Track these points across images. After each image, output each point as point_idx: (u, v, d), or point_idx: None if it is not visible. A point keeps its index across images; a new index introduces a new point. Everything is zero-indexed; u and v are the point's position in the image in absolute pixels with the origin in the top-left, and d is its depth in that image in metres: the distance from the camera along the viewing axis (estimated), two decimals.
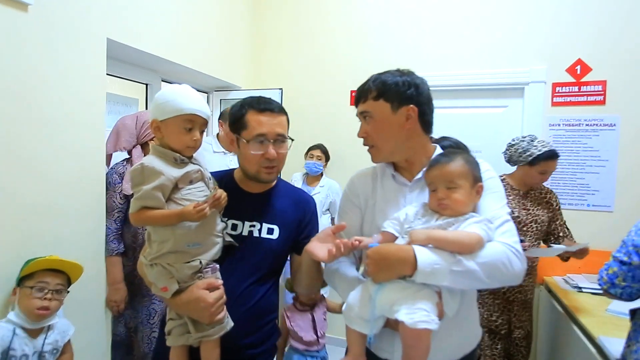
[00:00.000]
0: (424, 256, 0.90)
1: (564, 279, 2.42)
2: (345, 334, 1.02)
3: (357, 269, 1.16)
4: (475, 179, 1.01)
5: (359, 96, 1.11)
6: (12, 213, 1.48)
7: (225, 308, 1.07)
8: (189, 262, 1.04)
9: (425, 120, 1.09)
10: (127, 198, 1.91)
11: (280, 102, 1.74)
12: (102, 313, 1.90)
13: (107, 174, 1.93)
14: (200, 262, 1.05)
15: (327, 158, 3.00)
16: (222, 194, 1.09)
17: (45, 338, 1.40)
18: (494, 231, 0.96)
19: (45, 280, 1.39)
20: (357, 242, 0.97)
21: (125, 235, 1.95)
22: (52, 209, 1.63)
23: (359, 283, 1.03)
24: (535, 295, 2.61)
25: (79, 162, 1.75)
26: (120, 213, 1.92)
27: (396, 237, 1.01)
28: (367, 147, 1.14)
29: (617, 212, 2.48)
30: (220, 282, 1.08)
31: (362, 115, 1.10)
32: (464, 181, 0.99)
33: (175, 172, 1.04)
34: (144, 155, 1.96)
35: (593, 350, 1.63)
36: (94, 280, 1.84)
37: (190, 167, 1.08)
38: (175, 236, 1.03)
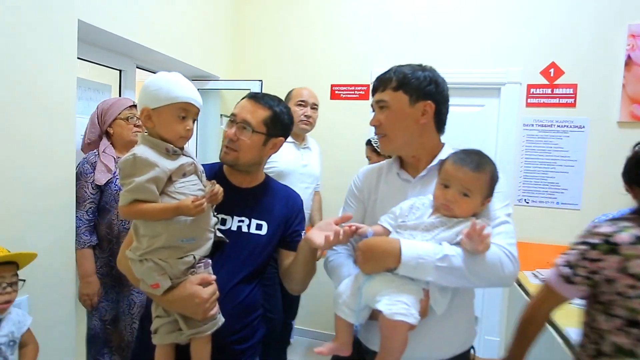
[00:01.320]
0: (409, 250, 0.93)
1: (533, 274, 2.56)
2: (334, 323, 1.05)
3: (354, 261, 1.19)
4: (490, 194, 1.02)
5: (378, 85, 1.12)
6: None
7: (217, 303, 1.07)
8: (182, 257, 1.02)
9: (440, 119, 1.12)
10: (100, 188, 1.88)
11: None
12: (73, 307, 1.85)
13: (78, 163, 1.88)
14: (194, 257, 1.04)
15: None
16: (219, 188, 1.09)
17: None
18: (490, 231, 0.97)
19: (1, 275, 1.35)
20: (353, 228, 1.00)
21: (99, 227, 1.91)
22: (16, 200, 1.57)
23: (353, 273, 1.06)
24: (506, 288, 2.76)
25: (47, 150, 1.69)
26: (93, 204, 1.88)
27: (389, 232, 1.04)
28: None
29: (584, 210, 2.64)
30: (214, 277, 1.07)
31: (377, 104, 1.12)
32: (479, 194, 0.99)
33: (169, 164, 1.02)
34: (110, 144, 1.93)
35: (560, 340, 1.74)
36: (62, 274, 1.79)
37: (183, 160, 1.06)
38: (169, 231, 1.00)
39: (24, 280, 1.43)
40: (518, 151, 2.76)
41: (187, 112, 1.06)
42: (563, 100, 2.68)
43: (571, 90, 2.66)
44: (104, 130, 1.97)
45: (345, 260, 1.16)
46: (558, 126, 2.69)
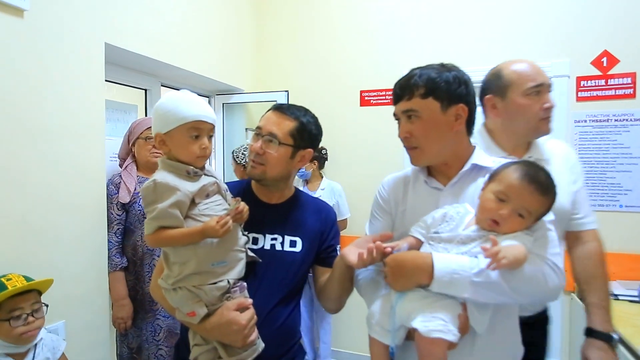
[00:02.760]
0: (442, 265, 0.89)
1: None
2: (369, 345, 1.01)
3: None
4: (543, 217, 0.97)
5: (402, 93, 1.05)
6: (7, 229, 1.48)
7: (256, 329, 1.05)
8: (215, 282, 1.01)
9: (471, 121, 1.07)
10: (125, 207, 1.93)
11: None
12: (107, 332, 1.90)
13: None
14: (228, 281, 1.02)
15: (320, 160, 2.98)
16: (244, 206, 1.07)
17: (33, 358, 1.39)
18: (532, 242, 0.93)
19: (19, 307, 1.35)
20: (389, 249, 0.96)
21: (125, 248, 1.96)
22: (50, 223, 1.63)
23: (385, 292, 1.02)
24: (566, 303, 2.58)
25: (79, 172, 1.76)
26: (120, 225, 1.93)
27: (422, 242, 0.99)
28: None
29: None
30: (250, 301, 1.06)
31: (405, 113, 1.05)
32: (535, 217, 0.94)
33: (190, 187, 1.01)
34: (133, 162, 1.99)
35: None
36: (96, 297, 1.84)
37: (205, 180, 1.06)
38: (198, 256, 0.99)
39: (47, 305, 1.44)
40: None
41: (199, 130, 1.04)
42: (620, 92, 2.51)
43: (629, 79, 2.48)
44: (130, 148, 2.04)
45: (376, 277, 1.11)
46: (616, 120, 2.52)
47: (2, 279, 1.38)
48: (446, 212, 0.99)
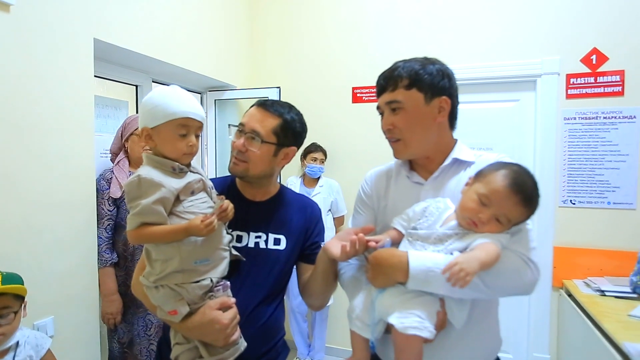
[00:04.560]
0: (418, 263, 0.90)
1: (584, 282, 2.40)
2: (350, 337, 1.02)
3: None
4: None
5: (386, 84, 1.05)
6: None
7: (238, 328, 1.05)
8: (198, 281, 1.00)
9: (454, 114, 1.07)
10: (116, 203, 1.93)
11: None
12: (97, 328, 1.89)
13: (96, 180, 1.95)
14: (211, 280, 1.02)
15: (326, 158, 3.03)
16: (228, 204, 1.05)
17: (14, 357, 1.36)
18: (508, 239, 0.94)
19: None
20: (373, 243, 0.97)
21: (116, 244, 1.96)
22: (39, 219, 1.63)
23: (366, 287, 1.03)
24: (555, 299, 2.60)
25: (68, 169, 1.75)
26: (110, 220, 1.93)
27: (402, 235, 1.00)
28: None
29: None
30: (233, 300, 1.05)
31: (388, 105, 1.04)
32: (513, 224, 0.94)
33: (175, 183, 1.00)
34: (125, 158, 1.99)
35: (617, 356, 1.61)
36: (86, 293, 1.84)
37: (191, 177, 1.05)
38: (181, 253, 0.98)
39: (23, 306, 1.40)
40: (559, 147, 2.61)
41: (187, 127, 1.03)
42: (609, 89, 2.52)
43: (617, 77, 2.50)
44: (123, 144, 2.04)
45: (356, 273, 1.12)
46: (605, 118, 2.53)
47: None
48: (427, 207, 1.00)
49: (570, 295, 2.39)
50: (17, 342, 1.39)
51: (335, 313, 3.03)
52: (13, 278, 1.39)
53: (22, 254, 1.57)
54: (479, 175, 0.97)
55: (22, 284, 1.42)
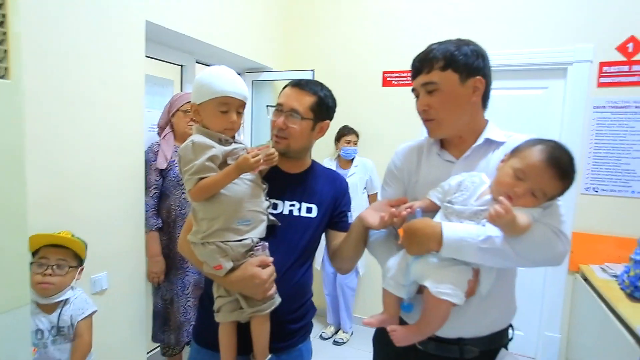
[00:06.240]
0: (451, 232, 0.92)
1: (601, 268, 2.37)
2: (382, 297, 1.07)
3: (396, 238, 1.19)
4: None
5: (421, 66, 1.04)
6: (58, 191, 1.61)
7: (275, 284, 1.12)
8: (240, 240, 1.08)
9: (487, 94, 1.06)
10: (162, 173, 2.04)
11: None
12: (143, 285, 2.05)
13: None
14: (252, 240, 1.09)
15: (358, 139, 3.04)
16: (274, 150, 1.11)
17: (60, 314, 1.43)
18: (540, 213, 0.94)
19: (46, 257, 1.41)
20: (409, 210, 1.00)
21: (161, 211, 2.08)
22: (94, 186, 1.76)
23: (397, 251, 1.06)
24: (570, 282, 2.58)
25: (120, 141, 1.87)
26: (157, 189, 2.05)
27: (438, 207, 1.01)
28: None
29: None
30: (271, 259, 1.12)
31: (425, 87, 1.03)
32: (548, 198, 0.93)
33: (223, 148, 1.08)
34: (171, 132, 2.10)
35: (631, 339, 1.61)
36: (135, 254, 1.98)
37: (236, 145, 1.12)
38: (226, 213, 1.05)
39: (81, 268, 1.49)
40: (586, 136, 2.53)
41: (227, 105, 1.08)
42: None
43: None
44: (169, 119, 2.13)
45: (385, 238, 1.17)
46: (636, 107, 2.43)
47: (55, 234, 1.48)
48: (462, 181, 0.99)
49: (585, 280, 2.37)
50: (67, 300, 1.46)
51: (364, 285, 3.13)
52: (79, 241, 1.53)
53: (83, 217, 1.71)
54: (515, 151, 0.97)
55: (85, 250, 1.54)
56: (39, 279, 1.38)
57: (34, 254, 1.42)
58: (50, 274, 1.40)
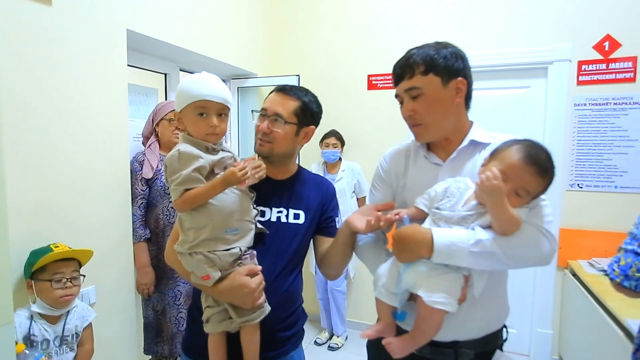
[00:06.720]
0: (441, 238, 0.91)
1: (589, 263, 2.38)
2: (375, 305, 1.05)
3: (384, 242, 1.18)
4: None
5: (403, 72, 1.04)
6: (42, 205, 1.55)
7: (264, 293, 1.09)
8: (228, 249, 1.05)
9: (469, 95, 1.07)
10: (148, 183, 2.00)
11: None
12: (132, 297, 1.99)
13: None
14: (240, 249, 1.07)
15: (343, 143, 3.02)
16: (262, 162, 1.10)
17: (64, 323, 1.46)
18: (527, 214, 0.94)
19: (61, 271, 1.43)
20: (396, 217, 0.99)
21: (148, 221, 2.04)
22: (79, 198, 1.70)
23: (386, 257, 1.05)
24: (559, 278, 2.59)
25: (104, 151, 1.82)
26: (143, 199, 2.00)
27: (426, 214, 1.00)
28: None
29: None
30: (260, 267, 1.10)
31: (407, 92, 1.04)
32: (532, 197, 0.93)
33: (210, 158, 1.05)
34: (156, 141, 2.06)
35: (620, 332, 1.61)
36: (122, 266, 1.93)
37: (223, 154, 1.09)
38: (213, 222, 1.03)
39: (84, 276, 1.53)
40: (568, 133, 2.57)
41: (205, 109, 1.05)
42: (620, 76, 2.45)
43: (630, 64, 2.42)
44: (154, 128, 2.10)
45: (373, 243, 1.15)
46: (615, 104, 2.47)
47: (51, 246, 1.47)
48: (448, 187, 0.99)
49: (574, 275, 2.38)
50: (69, 311, 1.47)
51: (356, 288, 3.10)
52: (87, 249, 1.55)
53: (68, 228, 1.65)
54: (494, 154, 0.97)
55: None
56: (60, 293, 1.42)
57: (39, 270, 1.42)
58: (70, 287, 1.45)
